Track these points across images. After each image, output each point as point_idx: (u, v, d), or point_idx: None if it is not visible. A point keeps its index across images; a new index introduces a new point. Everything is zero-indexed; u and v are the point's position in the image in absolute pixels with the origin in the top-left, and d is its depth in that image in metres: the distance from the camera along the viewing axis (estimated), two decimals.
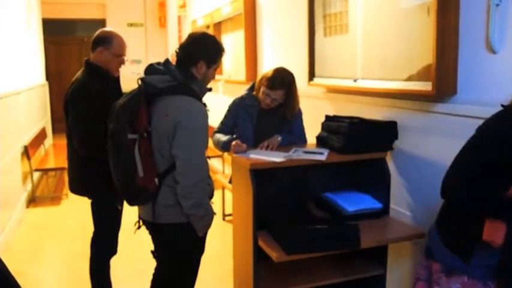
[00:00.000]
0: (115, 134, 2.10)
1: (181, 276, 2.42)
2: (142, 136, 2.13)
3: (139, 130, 2.13)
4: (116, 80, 2.98)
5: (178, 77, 2.20)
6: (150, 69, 2.26)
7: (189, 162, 2.13)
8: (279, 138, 2.89)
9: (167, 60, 2.27)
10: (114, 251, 3.06)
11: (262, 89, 2.96)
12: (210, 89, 2.34)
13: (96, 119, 2.65)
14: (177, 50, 2.32)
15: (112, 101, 2.84)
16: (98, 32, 2.94)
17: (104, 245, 3.00)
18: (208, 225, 2.31)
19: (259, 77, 3.10)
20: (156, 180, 2.19)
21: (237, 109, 3.09)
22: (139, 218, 2.40)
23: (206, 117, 2.19)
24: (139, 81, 2.19)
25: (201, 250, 2.47)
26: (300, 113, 3.12)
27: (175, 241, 2.31)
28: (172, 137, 2.12)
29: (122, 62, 2.94)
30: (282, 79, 2.91)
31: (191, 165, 2.13)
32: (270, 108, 3.01)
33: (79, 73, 2.88)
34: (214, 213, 2.31)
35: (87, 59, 2.89)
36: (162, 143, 2.16)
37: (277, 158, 2.58)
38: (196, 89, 2.21)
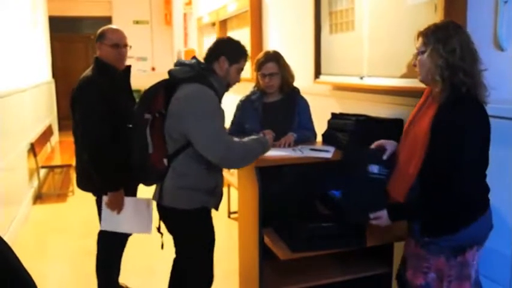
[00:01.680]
0: (135, 114, 2.38)
1: (190, 263, 2.51)
2: (155, 116, 2.33)
3: (153, 111, 2.33)
4: (126, 75, 2.99)
5: (196, 68, 2.37)
6: (177, 63, 2.48)
7: (202, 139, 2.24)
8: (294, 136, 2.90)
9: (194, 57, 2.49)
10: (121, 248, 3.07)
11: (257, 74, 3.06)
12: (228, 86, 2.48)
13: (103, 116, 2.67)
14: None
15: (122, 96, 2.87)
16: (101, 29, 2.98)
17: (109, 242, 3.01)
18: (266, 148, 2.43)
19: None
20: (165, 160, 2.36)
21: (243, 107, 3.13)
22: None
23: (215, 104, 2.33)
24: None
25: (207, 238, 2.53)
26: (307, 105, 3.12)
27: (178, 226, 2.46)
28: (179, 119, 2.28)
29: (122, 52, 2.93)
30: (267, 53, 3.09)
31: (206, 139, 2.24)
32: (274, 101, 3.04)
33: (88, 70, 2.89)
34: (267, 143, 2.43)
35: (97, 56, 2.91)
36: (171, 124, 2.32)
37: (290, 153, 2.61)
38: (214, 82, 2.36)
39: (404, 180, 2.02)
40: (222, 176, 2.55)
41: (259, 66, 3.02)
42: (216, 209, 2.54)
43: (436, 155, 1.88)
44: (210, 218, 2.55)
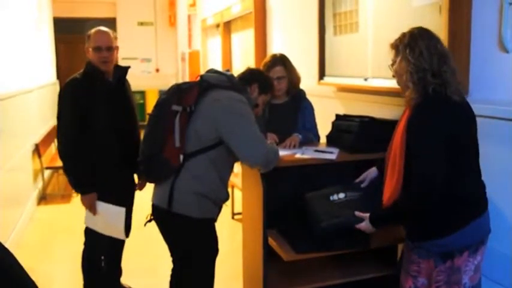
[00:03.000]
0: (161, 103, 2.35)
1: (191, 272, 2.43)
2: (185, 110, 2.27)
3: (185, 103, 2.28)
4: (121, 76, 2.97)
5: (234, 81, 2.41)
6: (211, 70, 2.50)
7: (242, 142, 2.23)
8: (299, 137, 2.91)
9: (228, 70, 2.56)
10: (114, 249, 3.07)
11: None
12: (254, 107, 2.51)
13: (72, 119, 2.73)
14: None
15: (112, 103, 2.86)
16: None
17: (93, 240, 3.01)
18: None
19: None
20: (181, 157, 2.26)
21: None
22: (153, 205, 2.42)
23: (249, 107, 2.34)
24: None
25: (212, 248, 2.46)
26: (312, 109, 3.13)
27: (183, 234, 2.36)
28: (215, 120, 2.25)
29: (104, 55, 2.85)
30: (274, 57, 3.11)
31: (246, 142, 2.22)
32: (281, 103, 3.06)
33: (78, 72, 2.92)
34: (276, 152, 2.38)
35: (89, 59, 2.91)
36: (204, 125, 2.27)
37: (295, 155, 2.62)
38: (245, 94, 2.40)
39: (391, 186, 2.03)
40: (226, 191, 2.49)
41: (267, 69, 3.03)
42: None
43: (411, 161, 1.91)
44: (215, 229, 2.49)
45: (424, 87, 1.90)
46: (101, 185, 2.84)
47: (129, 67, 3.02)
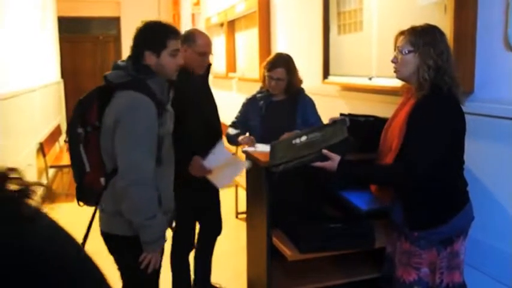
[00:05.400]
0: (68, 127, 2.14)
1: None
2: (87, 131, 2.07)
3: (86, 124, 2.07)
4: (204, 78, 2.97)
5: (131, 72, 2.06)
6: (113, 65, 2.16)
7: (123, 160, 1.97)
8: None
9: (130, 56, 2.14)
10: (190, 247, 3.03)
11: (265, 74, 3.07)
12: (172, 81, 2.18)
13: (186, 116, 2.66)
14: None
15: (201, 100, 2.84)
16: (186, 31, 2.91)
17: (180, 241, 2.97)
18: (155, 242, 2.03)
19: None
20: (103, 180, 2.08)
21: (248, 104, 3.18)
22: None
23: (151, 116, 2.00)
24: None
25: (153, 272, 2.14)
26: (312, 104, 3.13)
27: (119, 254, 2.17)
28: (113, 134, 1.98)
29: (207, 60, 2.87)
30: (279, 57, 3.08)
31: (124, 163, 1.97)
32: (279, 100, 3.07)
33: None
34: (165, 240, 2.11)
35: None
36: (105, 140, 2.04)
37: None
38: (153, 85, 2.06)
39: None
40: (170, 193, 2.23)
41: (269, 68, 3.03)
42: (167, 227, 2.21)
43: (408, 145, 1.99)
44: None
45: (433, 84, 1.98)
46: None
47: (210, 65, 2.99)
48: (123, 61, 2.17)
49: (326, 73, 3.72)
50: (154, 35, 2.11)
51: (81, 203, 2.22)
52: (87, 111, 2.08)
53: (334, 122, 2.33)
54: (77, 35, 11.21)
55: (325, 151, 2.11)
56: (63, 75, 9.32)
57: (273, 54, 3.21)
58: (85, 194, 2.16)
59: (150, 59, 2.08)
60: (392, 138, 2.08)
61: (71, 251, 0.64)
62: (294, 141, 2.31)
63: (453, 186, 2.06)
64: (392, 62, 2.11)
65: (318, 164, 2.12)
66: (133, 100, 1.99)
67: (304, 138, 2.29)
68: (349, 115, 2.94)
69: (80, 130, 2.07)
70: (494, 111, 2.17)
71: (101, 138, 2.06)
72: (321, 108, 3.18)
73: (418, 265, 2.07)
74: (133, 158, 1.96)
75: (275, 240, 2.49)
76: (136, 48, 2.11)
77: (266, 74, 3.06)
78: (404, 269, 2.11)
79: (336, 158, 2.10)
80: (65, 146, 7.65)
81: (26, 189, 0.58)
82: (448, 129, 1.97)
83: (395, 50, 2.11)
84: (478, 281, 2.29)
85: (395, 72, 2.12)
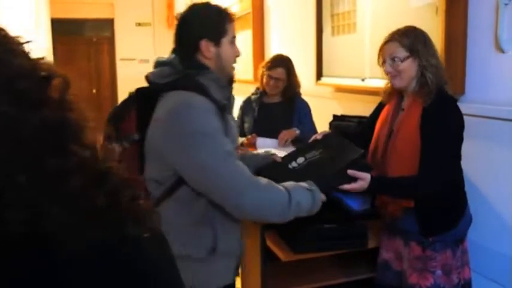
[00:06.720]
0: (104, 142, 1.65)
1: None
2: (124, 146, 1.63)
3: (121, 138, 1.64)
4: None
5: (178, 67, 1.65)
6: (156, 62, 1.76)
7: (213, 174, 1.51)
8: (297, 132, 2.91)
9: (175, 48, 1.74)
10: None
11: (264, 73, 3.09)
12: (232, 80, 1.81)
13: None
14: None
15: None
16: None
17: None
18: (313, 206, 1.73)
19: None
20: None
21: (243, 108, 3.18)
22: None
23: (209, 117, 1.57)
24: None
25: None
26: (308, 109, 3.15)
27: None
28: (164, 149, 1.55)
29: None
30: (280, 58, 3.12)
31: (219, 177, 1.51)
32: (272, 103, 3.08)
33: None
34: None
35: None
36: (151, 158, 1.60)
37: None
38: (209, 82, 1.64)
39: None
40: (235, 230, 1.77)
41: (270, 67, 3.03)
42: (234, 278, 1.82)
43: (432, 153, 1.92)
44: None
45: (437, 84, 1.94)
46: None
47: None
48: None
49: (319, 74, 3.74)
50: (213, 18, 1.70)
51: None
52: (123, 120, 1.65)
53: (325, 137, 2.20)
54: (70, 36, 11.17)
55: (351, 171, 1.94)
56: None
57: (273, 54, 3.26)
58: None
59: (207, 49, 1.66)
60: (404, 147, 2.00)
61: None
62: (290, 166, 2.02)
63: (461, 187, 2.07)
64: (388, 73, 2.02)
65: (346, 186, 1.96)
66: (186, 102, 1.56)
67: (301, 160, 2.02)
68: (342, 116, 2.96)
69: (113, 145, 1.62)
70: (486, 112, 2.19)
71: (145, 156, 1.61)
72: (315, 110, 3.20)
73: (434, 268, 2.04)
74: (222, 171, 1.51)
75: (269, 242, 2.50)
76: (187, 38, 1.69)
77: (265, 72, 3.06)
78: (420, 275, 2.07)
79: (366, 177, 1.93)
80: None
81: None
82: (462, 132, 1.96)
83: (383, 61, 2.04)
84: (475, 283, 2.30)
85: (392, 82, 2.04)
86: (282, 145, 2.83)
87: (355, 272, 2.69)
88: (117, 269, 0.53)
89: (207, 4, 1.74)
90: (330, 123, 2.96)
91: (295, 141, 2.93)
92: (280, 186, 1.60)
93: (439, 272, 2.05)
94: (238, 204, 1.52)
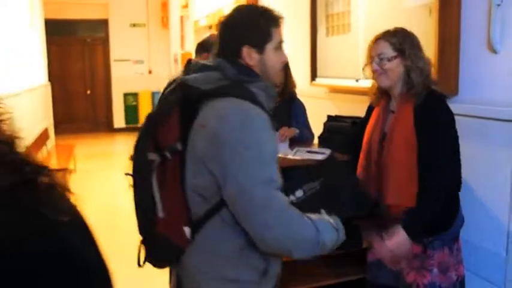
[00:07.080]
0: (136, 151, 1.51)
1: None
2: (165, 157, 1.44)
3: (163, 145, 1.45)
4: None
5: (229, 73, 1.49)
6: (195, 66, 1.56)
7: (245, 197, 1.37)
8: (297, 131, 2.92)
9: (217, 53, 1.57)
10: None
11: None
12: (277, 86, 1.68)
13: None
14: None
15: None
16: (205, 37, 2.89)
17: None
18: (337, 240, 1.60)
19: None
20: (187, 230, 1.45)
21: None
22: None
23: (265, 128, 1.44)
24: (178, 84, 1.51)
25: None
26: (303, 108, 3.16)
27: None
28: (209, 159, 1.40)
29: None
30: None
31: (250, 201, 1.37)
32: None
33: None
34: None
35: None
36: (195, 169, 1.44)
37: (287, 155, 2.63)
38: (257, 91, 1.50)
39: (397, 184, 2.01)
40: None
41: None
42: None
43: (435, 158, 1.91)
44: None
45: (423, 85, 1.94)
46: None
47: None
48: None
49: (314, 75, 3.75)
50: (256, 22, 1.55)
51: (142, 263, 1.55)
52: (162, 127, 1.47)
53: (321, 165, 2.12)
54: (64, 37, 11.15)
55: (391, 243, 1.88)
56: (50, 79, 9.26)
57: None
58: (157, 249, 1.52)
59: (249, 56, 1.52)
60: (399, 152, 1.98)
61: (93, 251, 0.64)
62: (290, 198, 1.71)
63: (458, 186, 2.05)
64: (375, 71, 2.01)
65: (385, 254, 1.94)
66: (238, 109, 1.43)
67: (300, 193, 1.77)
68: (337, 117, 2.97)
69: (152, 156, 1.44)
70: (478, 112, 2.20)
71: (187, 168, 1.45)
72: (309, 110, 3.20)
73: (431, 266, 2.05)
74: (258, 191, 1.37)
75: None
76: (229, 43, 1.55)
77: None
78: (417, 273, 2.07)
79: (398, 230, 1.88)
80: (53, 150, 7.58)
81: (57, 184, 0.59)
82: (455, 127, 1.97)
83: (371, 60, 2.03)
84: (469, 282, 2.31)
85: (378, 80, 2.02)
86: (282, 141, 2.84)
87: (349, 272, 2.69)
88: (34, 251, 0.53)
89: (251, 7, 1.64)
90: (325, 124, 2.97)
91: (293, 141, 2.94)
92: (310, 223, 1.46)
93: (435, 270, 2.06)
94: (262, 236, 1.39)
